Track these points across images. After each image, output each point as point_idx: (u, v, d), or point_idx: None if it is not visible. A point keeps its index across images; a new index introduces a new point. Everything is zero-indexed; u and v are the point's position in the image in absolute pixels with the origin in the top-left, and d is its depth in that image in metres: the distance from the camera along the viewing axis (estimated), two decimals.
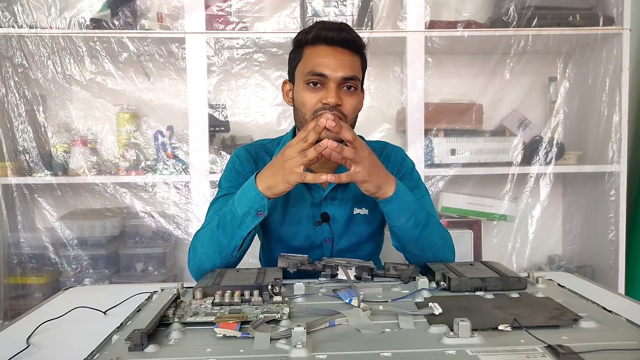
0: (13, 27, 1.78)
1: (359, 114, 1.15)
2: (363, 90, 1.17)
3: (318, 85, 1.06)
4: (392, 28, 1.86)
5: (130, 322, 0.75)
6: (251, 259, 1.65)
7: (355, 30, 1.10)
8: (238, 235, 1.00)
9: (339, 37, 1.06)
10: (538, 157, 1.95)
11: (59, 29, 1.80)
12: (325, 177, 0.94)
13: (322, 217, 1.15)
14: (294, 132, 1.20)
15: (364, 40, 1.12)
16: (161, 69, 1.96)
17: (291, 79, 1.15)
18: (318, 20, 1.14)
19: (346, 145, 0.94)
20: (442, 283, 0.91)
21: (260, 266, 1.25)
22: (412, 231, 1.02)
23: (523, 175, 1.96)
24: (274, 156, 1.19)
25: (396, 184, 1.00)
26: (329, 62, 1.05)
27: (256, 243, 1.29)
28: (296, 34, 1.13)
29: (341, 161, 0.97)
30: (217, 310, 0.77)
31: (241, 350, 0.63)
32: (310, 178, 0.95)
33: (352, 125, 1.11)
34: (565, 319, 0.71)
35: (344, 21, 1.81)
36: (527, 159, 1.97)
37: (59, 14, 1.81)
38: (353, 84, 1.07)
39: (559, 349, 0.59)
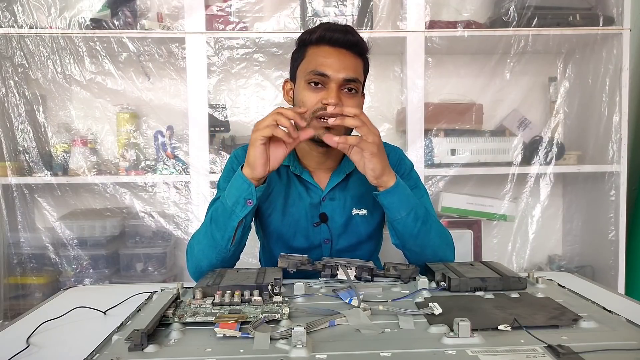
0: (13, 27, 1.78)
1: None
2: (363, 94, 1.17)
3: (319, 85, 1.06)
4: (392, 28, 1.86)
5: (130, 322, 0.75)
6: (251, 259, 1.65)
7: (356, 30, 1.10)
8: (229, 226, 0.99)
9: (343, 38, 1.06)
10: (538, 157, 1.95)
11: (59, 29, 1.80)
12: (308, 135, 0.97)
13: (320, 217, 1.15)
14: None
15: (366, 41, 1.11)
16: (161, 69, 1.96)
17: (292, 78, 1.15)
18: (323, 22, 1.14)
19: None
20: (442, 283, 0.91)
21: (260, 266, 1.25)
22: (412, 225, 1.02)
23: (523, 175, 1.96)
24: None
25: (396, 177, 1.01)
26: (332, 62, 1.05)
27: (256, 243, 1.30)
28: (299, 34, 1.13)
29: (343, 146, 0.98)
30: (217, 310, 0.77)
31: (241, 350, 0.63)
32: (280, 133, 0.93)
33: (352, 129, 1.11)
34: (565, 319, 0.71)
35: (344, 21, 1.81)
36: (527, 159, 1.97)
37: (59, 14, 1.80)
38: (354, 86, 1.07)
39: (559, 349, 0.59)
